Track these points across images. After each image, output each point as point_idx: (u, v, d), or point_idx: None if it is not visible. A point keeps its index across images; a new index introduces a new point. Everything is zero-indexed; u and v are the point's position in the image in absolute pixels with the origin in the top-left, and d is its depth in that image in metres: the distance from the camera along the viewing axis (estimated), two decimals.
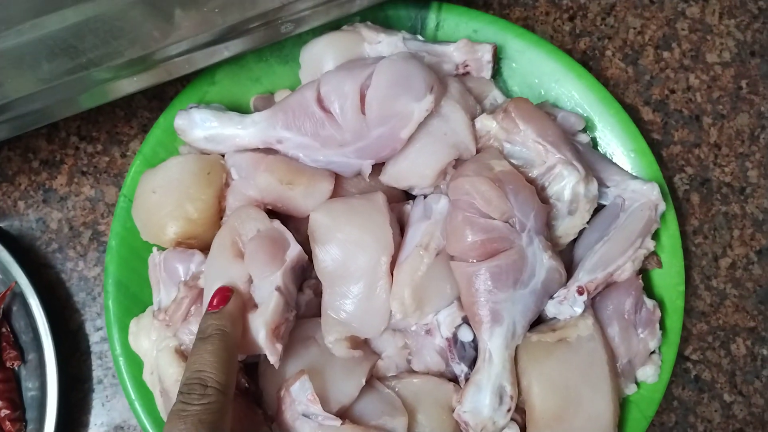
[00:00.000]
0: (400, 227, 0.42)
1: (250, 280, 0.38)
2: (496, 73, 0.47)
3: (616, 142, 0.46)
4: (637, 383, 0.42)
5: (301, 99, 0.40)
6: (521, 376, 0.39)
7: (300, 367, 0.38)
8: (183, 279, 0.40)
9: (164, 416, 0.39)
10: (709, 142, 0.49)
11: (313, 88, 0.40)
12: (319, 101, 0.39)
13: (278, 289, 0.37)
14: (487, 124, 0.42)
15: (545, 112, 0.43)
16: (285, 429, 0.37)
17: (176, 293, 0.40)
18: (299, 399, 0.37)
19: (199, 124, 0.42)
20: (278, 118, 0.40)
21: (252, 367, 0.41)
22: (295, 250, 0.39)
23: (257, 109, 0.45)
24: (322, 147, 0.40)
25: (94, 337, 0.44)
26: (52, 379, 0.41)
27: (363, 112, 0.39)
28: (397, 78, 0.39)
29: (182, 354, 0.39)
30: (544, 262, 0.40)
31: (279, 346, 0.36)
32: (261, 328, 0.35)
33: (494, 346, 0.39)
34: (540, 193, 0.41)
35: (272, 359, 0.35)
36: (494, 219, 0.39)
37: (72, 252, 0.45)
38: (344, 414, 0.38)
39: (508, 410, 0.38)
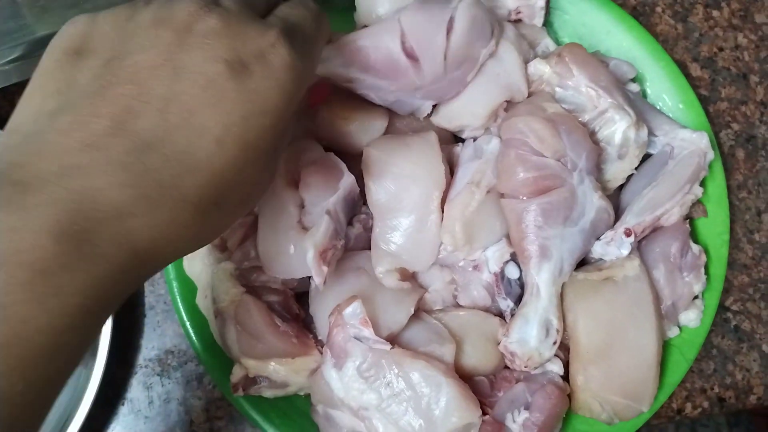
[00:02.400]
0: (450, 168, 0.42)
1: (303, 206, 0.39)
2: (547, 23, 0.47)
3: (665, 94, 0.46)
4: (679, 327, 0.43)
5: (382, 44, 0.39)
6: (567, 312, 0.40)
7: (351, 294, 0.39)
8: None
9: (218, 339, 0.41)
10: (756, 100, 0.49)
11: (395, 34, 0.39)
12: (406, 50, 0.39)
13: (329, 213, 0.37)
14: (540, 68, 0.43)
15: (598, 59, 0.44)
16: (336, 352, 0.38)
17: None
18: (351, 322, 0.38)
19: None
20: (354, 60, 0.39)
21: (303, 296, 0.42)
22: (348, 179, 0.39)
23: None
24: (396, 89, 0.40)
25: None
26: None
27: (444, 57, 0.40)
28: (474, 23, 0.39)
29: (237, 277, 0.40)
30: (594, 202, 0.40)
31: (325, 269, 0.36)
32: (310, 248, 0.36)
33: (542, 280, 0.39)
34: (590, 138, 0.42)
35: (317, 280, 0.36)
36: (546, 157, 0.40)
37: None
38: (393, 340, 0.39)
39: (554, 343, 0.39)
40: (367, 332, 0.38)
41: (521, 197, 0.40)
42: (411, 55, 0.39)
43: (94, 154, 0.22)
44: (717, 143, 0.48)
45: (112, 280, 0.22)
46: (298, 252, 0.38)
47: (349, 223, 0.42)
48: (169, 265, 0.42)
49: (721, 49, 0.50)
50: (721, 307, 0.47)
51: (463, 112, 0.42)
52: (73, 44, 0.26)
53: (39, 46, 0.39)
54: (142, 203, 0.23)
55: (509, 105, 0.43)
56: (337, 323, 0.38)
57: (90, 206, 0.22)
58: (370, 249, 0.41)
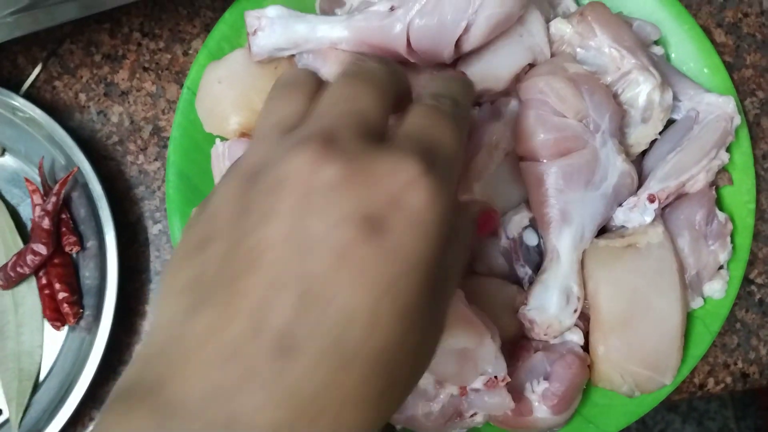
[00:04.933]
0: (468, 132, 0.41)
1: None
2: None
3: (690, 59, 0.44)
4: (703, 298, 0.41)
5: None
6: (587, 280, 0.39)
7: None
8: None
9: None
10: None
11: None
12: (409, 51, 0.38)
13: None
14: (561, 28, 0.41)
15: (621, 19, 0.42)
16: None
17: None
18: None
19: (277, 22, 0.40)
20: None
21: None
22: None
23: (324, 11, 0.45)
24: None
25: (152, 230, 0.44)
26: (113, 265, 0.41)
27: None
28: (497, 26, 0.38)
29: None
30: (617, 165, 0.39)
31: None
32: None
33: (562, 246, 0.38)
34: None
35: None
36: (568, 118, 0.38)
37: (132, 146, 0.45)
38: None
39: (575, 311, 0.38)
40: None
41: (541, 160, 0.38)
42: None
43: (237, 367, 0.19)
44: (742, 111, 0.47)
45: None
46: None
47: None
48: (176, 228, 0.41)
49: (746, 15, 0.48)
50: (746, 280, 0.45)
51: (486, 75, 0.41)
52: (201, 232, 0.22)
53: None
54: (300, 423, 0.19)
55: (531, 67, 0.41)
56: None
57: None
58: None
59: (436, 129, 0.24)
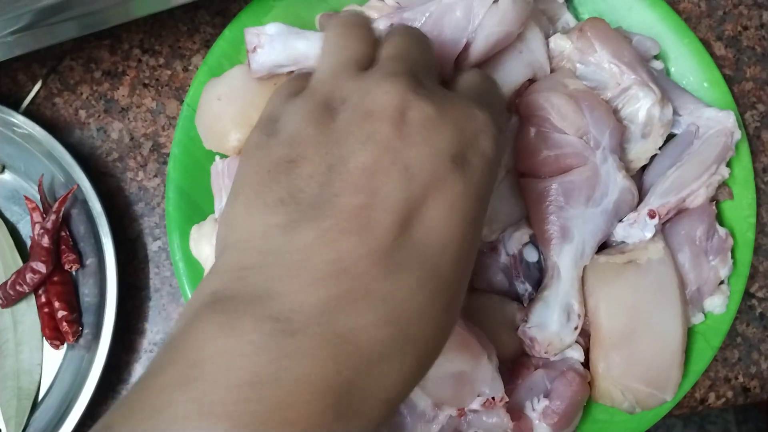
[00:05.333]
0: None
1: None
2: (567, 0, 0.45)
3: (689, 73, 0.44)
4: (704, 313, 0.41)
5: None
6: (588, 297, 0.39)
7: None
8: None
9: None
10: None
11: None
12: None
13: None
14: (561, 44, 0.41)
15: (621, 34, 0.42)
16: None
17: None
18: None
19: (276, 39, 0.40)
20: None
21: None
22: None
23: (323, 28, 0.45)
24: None
25: (152, 247, 0.44)
26: (112, 283, 0.41)
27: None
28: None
29: None
30: (617, 182, 0.39)
31: None
32: None
33: (563, 263, 0.38)
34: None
35: None
36: (568, 134, 0.38)
37: (132, 162, 0.45)
38: None
39: (575, 328, 0.38)
40: None
41: (542, 176, 0.38)
42: None
43: (350, 281, 0.20)
44: (742, 124, 0.46)
45: None
46: None
47: None
48: (176, 246, 0.41)
49: (745, 28, 0.48)
50: (747, 294, 0.45)
51: None
52: (282, 154, 0.23)
53: (43, 15, 0.37)
54: (399, 343, 0.20)
55: (530, 83, 0.41)
56: None
57: (353, 350, 0.19)
58: None
59: (490, 88, 0.29)
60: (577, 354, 0.39)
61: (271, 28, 0.40)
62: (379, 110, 0.23)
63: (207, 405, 0.17)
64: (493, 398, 0.34)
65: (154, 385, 0.19)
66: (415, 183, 0.22)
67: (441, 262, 0.22)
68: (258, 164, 0.24)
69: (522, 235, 0.39)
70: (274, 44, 0.40)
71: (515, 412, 0.37)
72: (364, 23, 0.29)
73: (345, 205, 0.21)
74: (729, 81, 0.47)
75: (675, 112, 0.42)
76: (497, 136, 0.25)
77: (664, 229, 0.41)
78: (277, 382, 0.18)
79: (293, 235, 0.21)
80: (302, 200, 0.22)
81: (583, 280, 0.39)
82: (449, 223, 0.22)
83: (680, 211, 0.41)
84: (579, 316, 0.38)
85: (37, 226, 0.41)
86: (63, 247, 0.42)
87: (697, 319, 0.41)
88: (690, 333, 0.41)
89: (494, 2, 0.37)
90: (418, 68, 0.25)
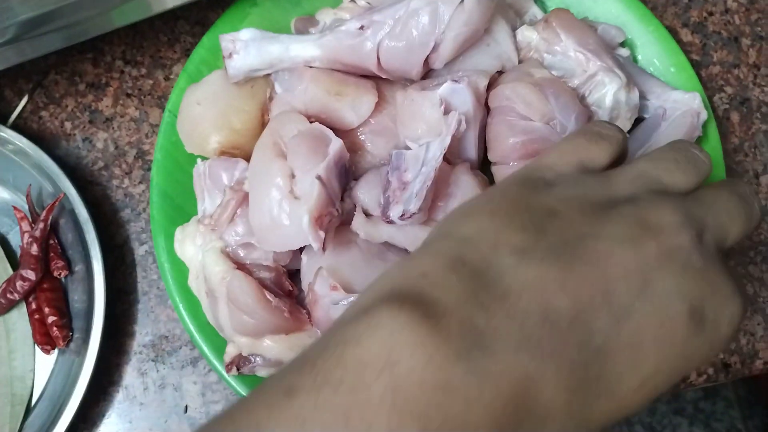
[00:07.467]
0: None
1: (293, 176, 0.38)
2: None
3: (656, 59, 0.45)
4: None
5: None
6: None
7: (344, 268, 0.39)
8: (228, 185, 0.41)
9: (211, 319, 0.40)
10: (749, 63, 0.48)
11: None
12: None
13: (319, 178, 0.36)
14: (527, 35, 0.43)
15: (586, 23, 0.43)
16: (323, 323, 0.38)
17: (221, 199, 0.41)
18: (323, 293, 0.37)
19: (251, 45, 0.41)
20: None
21: (295, 274, 0.41)
22: (336, 144, 0.38)
23: (299, 31, 0.46)
24: None
25: (139, 251, 0.45)
26: (100, 288, 0.42)
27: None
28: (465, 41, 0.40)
29: (228, 255, 0.40)
30: None
31: (322, 234, 0.36)
32: (304, 214, 0.36)
33: None
34: (580, 102, 0.41)
35: (315, 245, 0.35)
36: (534, 121, 0.39)
37: (117, 170, 0.46)
38: None
39: None
40: (340, 294, 0.37)
41: (511, 163, 0.39)
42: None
43: (551, 334, 0.21)
44: (711, 107, 0.47)
45: None
46: (292, 222, 0.37)
47: (341, 199, 0.41)
48: (161, 248, 0.42)
49: (711, 14, 0.49)
50: None
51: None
52: (539, 175, 0.26)
53: (24, 29, 0.39)
54: (565, 411, 0.21)
55: (499, 75, 0.42)
56: (314, 300, 0.37)
57: (528, 398, 0.20)
58: None
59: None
60: None
61: (246, 34, 0.42)
62: (660, 233, 0.24)
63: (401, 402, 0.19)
64: None
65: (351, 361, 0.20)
66: (644, 301, 0.23)
67: (625, 377, 0.23)
68: (518, 176, 0.27)
69: None
70: (248, 49, 0.42)
71: None
72: (615, 138, 0.29)
73: (576, 269, 0.22)
74: (697, 66, 0.48)
75: (642, 97, 0.43)
76: (740, 320, 0.25)
77: None
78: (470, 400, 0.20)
79: (523, 262, 0.22)
80: (544, 240, 0.23)
81: None
82: (649, 352, 0.23)
83: None
84: None
85: (26, 235, 0.43)
86: (52, 254, 0.44)
87: None
88: None
89: (460, 3, 0.38)
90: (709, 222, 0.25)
